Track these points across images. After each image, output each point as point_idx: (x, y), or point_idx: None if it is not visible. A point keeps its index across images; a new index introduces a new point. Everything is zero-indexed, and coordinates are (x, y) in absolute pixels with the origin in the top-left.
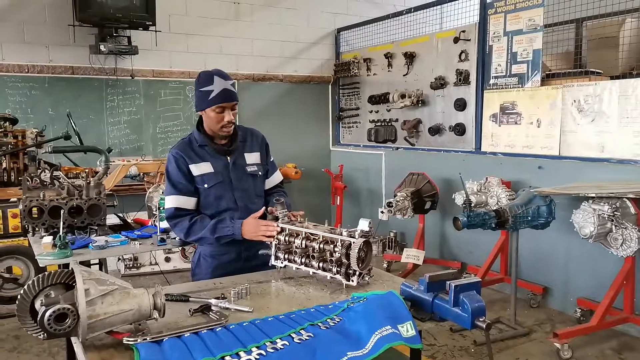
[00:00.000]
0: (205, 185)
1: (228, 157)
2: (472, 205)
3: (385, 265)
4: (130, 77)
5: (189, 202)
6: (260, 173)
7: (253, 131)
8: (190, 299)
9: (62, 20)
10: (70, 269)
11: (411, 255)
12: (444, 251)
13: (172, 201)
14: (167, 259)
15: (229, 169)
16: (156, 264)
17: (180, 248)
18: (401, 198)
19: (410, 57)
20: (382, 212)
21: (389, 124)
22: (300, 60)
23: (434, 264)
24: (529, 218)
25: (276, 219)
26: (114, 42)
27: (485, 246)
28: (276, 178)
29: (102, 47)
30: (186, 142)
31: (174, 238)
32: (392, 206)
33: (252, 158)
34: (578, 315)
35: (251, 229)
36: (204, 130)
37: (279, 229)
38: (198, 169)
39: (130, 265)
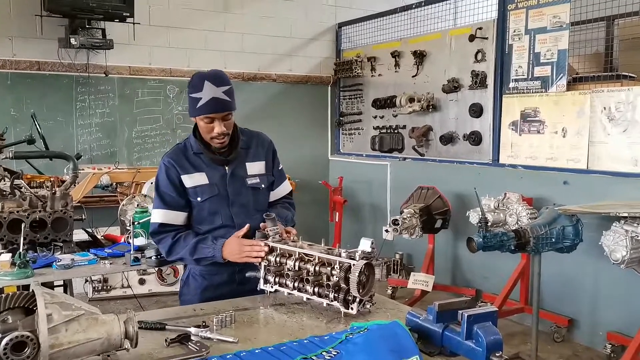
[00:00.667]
0: (199, 199)
1: (226, 167)
2: (489, 224)
3: (389, 292)
4: (104, 75)
5: (176, 218)
6: (263, 185)
7: (260, 136)
8: (167, 327)
9: (28, 10)
10: (30, 291)
11: (419, 281)
12: (456, 276)
13: (158, 216)
14: (142, 281)
15: (225, 181)
16: (129, 286)
17: (156, 269)
18: (408, 215)
19: (420, 57)
20: (386, 230)
21: (396, 131)
22: (296, 58)
23: (444, 290)
24: (553, 240)
25: (266, 237)
26: (86, 35)
27: (503, 271)
28: (283, 189)
29: (72, 41)
30: (181, 148)
31: (150, 257)
32: (398, 224)
33: (255, 168)
34: (608, 352)
35: (234, 250)
36: (200, 136)
37: (267, 249)
38: (191, 180)
39: (99, 288)
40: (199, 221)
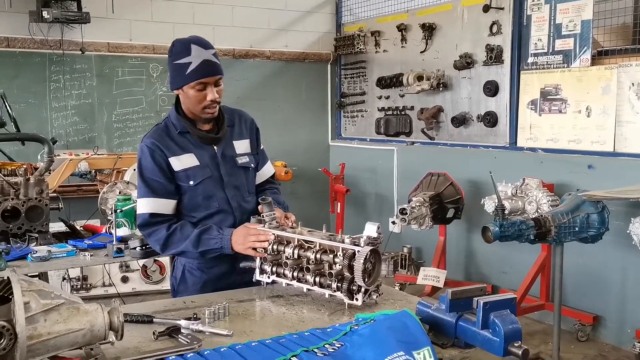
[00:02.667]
0: (191, 183)
1: (215, 147)
2: (506, 212)
3: (397, 289)
4: (80, 52)
5: (166, 207)
6: (252, 165)
7: (241, 113)
8: (154, 319)
9: None
10: (6, 278)
11: (429, 276)
12: (470, 271)
13: (146, 205)
14: (125, 279)
15: (217, 161)
16: (111, 284)
17: (141, 265)
18: (417, 204)
19: (429, 30)
20: (393, 222)
21: (403, 112)
22: (293, 33)
23: (457, 286)
24: (577, 229)
25: (261, 222)
26: (59, 8)
27: (521, 265)
28: (267, 171)
29: (45, 14)
30: (162, 128)
31: (134, 248)
32: (406, 214)
33: (242, 147)
34: (637, 351)
35: (239, 240)
36: (184, 112)
37: (272, 237)
38: (180, 162)
39: (78, 287)
40: (192, 208)
